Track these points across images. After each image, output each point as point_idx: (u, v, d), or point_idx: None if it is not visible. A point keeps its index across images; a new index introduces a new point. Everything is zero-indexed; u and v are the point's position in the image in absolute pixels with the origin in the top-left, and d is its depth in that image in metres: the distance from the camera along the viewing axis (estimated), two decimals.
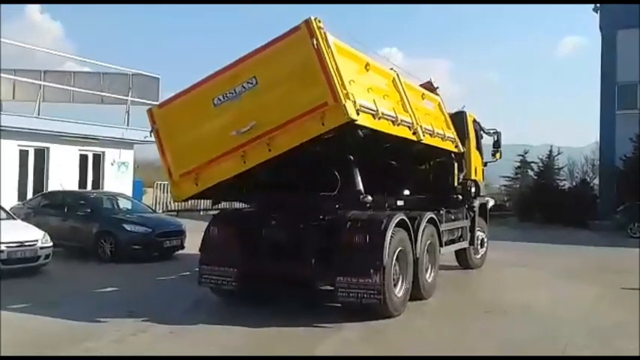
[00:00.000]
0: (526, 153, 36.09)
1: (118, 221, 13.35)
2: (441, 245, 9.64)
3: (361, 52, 7.76)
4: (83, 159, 19.65)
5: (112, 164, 20.31)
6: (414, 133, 8.48)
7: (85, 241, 13.26)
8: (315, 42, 6.57)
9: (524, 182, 34.81)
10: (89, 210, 13.70)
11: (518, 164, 36.14)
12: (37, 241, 10.90)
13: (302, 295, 8.46)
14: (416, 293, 8.51)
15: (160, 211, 22.70)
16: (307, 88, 6.71)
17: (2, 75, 17.22)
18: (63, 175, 18.02)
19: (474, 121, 12.68)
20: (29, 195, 17.27)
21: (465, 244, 11.40)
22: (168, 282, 10.41)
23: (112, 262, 12.45)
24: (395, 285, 7.80)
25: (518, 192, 33.92)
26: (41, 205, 14.77)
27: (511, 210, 31.25)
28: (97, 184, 19.91)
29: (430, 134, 9.23)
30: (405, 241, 8.00)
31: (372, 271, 7.21)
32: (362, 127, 7.10)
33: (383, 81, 8.25)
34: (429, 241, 8.95)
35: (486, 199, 13.24)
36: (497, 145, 13.40)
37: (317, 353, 6.22)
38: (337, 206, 7.96)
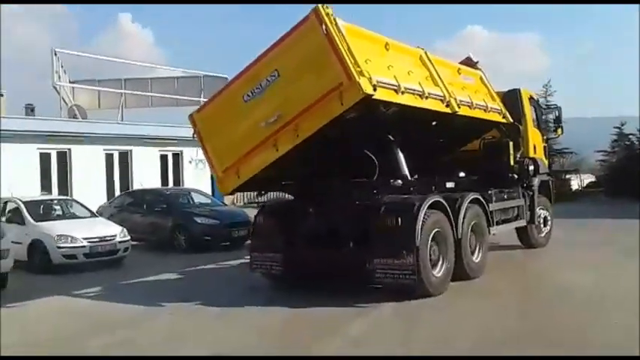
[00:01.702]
0: (623, 125, 33.83)
1: (190, 215, 14.30)
2: (490, 225, 9.60)
3: (379, 34, 8.01)
4: (163, 159, 21.06)
5: (190, 162, 21.58)
6: (448, 105, 8.59)
7: (162, 234, 14.35)
8: (324, 28, 6.90)
9: (620, 155, 32.79)
10: (165, 205, 14.79)
11: (615, 137, 34.04)
12: (115, 235, 11.97)
13: (344, 278, 8.77)
14: (461, 273, 8.59)
15: (241, 203, 23.76)
16: (323, 72, 7.03)
17: (87, 86, 18.91)
18: (145, 175, 19.44)
19: (531, 97, 12.37)
20: (116, 194, 18.78)
21: (522, 223, 11.18)
22: (228, 269, 11.09)
23: (186, 252, 13.38)
24: (434, 265, 7.95)
25: (611, 166, 32.07)
26: (124, 204, 16.08)
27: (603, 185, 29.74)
28: (177, 181, 21.26)
29: (469, 106, 9.30)
30: (442, 223, 8.11)
31: (404, 252, 7.41)
32: (384, 103, 7.35)
33: (408, 58, 8.43)
34: (473, 222, 8.96)
35: (548, 177, 12.85)
36: (558, 120, 12.99)
37: (350, 331, 6.52)
38: (375, 191, 8.17)
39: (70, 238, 11.29)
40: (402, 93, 7.56)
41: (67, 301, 8.65)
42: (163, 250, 13.81)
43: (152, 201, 15.29)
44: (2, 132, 16.33)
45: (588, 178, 37.23)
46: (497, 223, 10.10)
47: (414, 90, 7.87)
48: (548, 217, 12.31)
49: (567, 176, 32.90)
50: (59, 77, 19.41)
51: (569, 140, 33.60)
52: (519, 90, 11.99)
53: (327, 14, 6.96)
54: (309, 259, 8.45)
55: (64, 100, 19.95)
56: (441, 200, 8.17)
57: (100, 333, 6.71)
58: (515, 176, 11.12)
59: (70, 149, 17.97)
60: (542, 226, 12.08)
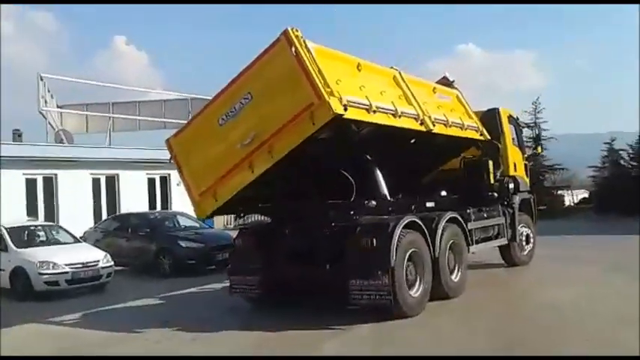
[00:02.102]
0: (613, 141, 34.09)
1: (174, 238, 14.26)
2: (469, 244, 9.65)
3: (351, 55, 8.13)
4: (151, 182, 21.07)
5: (178, 185, 21.45)
6: (422, 124, 8.71)
7: (146, 258, 14.26)
8: (294, 50, 7.03)
9: (610, 171, 32.99)
10: (148, 230, 14.74)
11: (606, 153, 34.27)
12: (98, 261, 11.91)
13: (324, 299, 8.76)
14: (440, 293, 8.61)
15: (231, 226, 23.71)
16: (294, 93, 7.13)
17: (74, 111, 19.01)
18: (133, 198, 19.43)
19: (510, 116, 12.50)
20: (104, 218, 18.72)
21: (503, 241, 11.23)
22: (211, 293, 11.06)
23: (170, 276, 13.29)
24: (411, 286, 7.96)
25: (601, 182, 32.24)
26: (110, 228, 16.03)
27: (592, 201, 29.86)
28: (165, 204, 21.24)
29: (444, 124, 9.43)
30: (418, 242, 8.14)
31: (379, 272, 7.43)
32: (356, 122, 7.45)
33: (381, 78, 8.56)
34: (451, 241, 9.00)
35: (529, 194, 12.94)
36: (537, 138, 13.14)
37: (323, 352, 6.51)
38: (351, 212, 8.21)
39: (52, 265, 11.23)
40: (374, 112, 7.66)
41: (42, 327, 8.62)
42: (148, 275, 13.73)
43: (137, 225, 15.24)
44: None
45: (582, 194, 37.40)
46: (477, 242, 10.16)
47: (387, 109, 7.98)
48: (531, 235, 12.35)
49: (559, 192, 33.08)
50: (45, 102, 19.51)
51: (561, 156, 33.96)
52: (498, 109, 12.14)
53: (297, 36, 7.09)
54: (287, 280, 8.46)
55: (51, 125, 20.01)
56: (417, 220, 8.21)
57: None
58: (495, 194, 11.20)
59: (56, 174, 17.99)
60: (524, 244, 12.11)
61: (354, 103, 7.30)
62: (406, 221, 7.91)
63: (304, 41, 7.13)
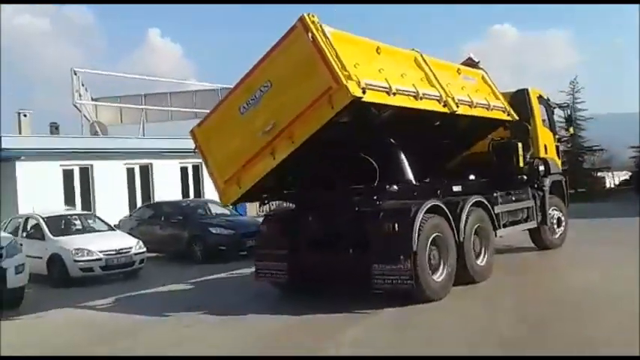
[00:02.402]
0: None
1: (205, 225, 14.52)
2: (496, 228, 9.54)
3: (370, 39, 8.13)
4: (184, 171, 21.42)
5: None
6: (445, 105, 8.64)
7: (179, 245, 14.62)
8: (310, 35, 7.06)
9: None
10: (181, 217, 15.04)
11: None
12: (131, 248, 12.27)
13: (349, 284, 8.81)
14: (466, 277, 8.56)
15: (263, 213, 23.95)
16: (313, 78, 7.16)
17: (107, 103, 19.47)
18: (166, 187, 19.81)
19: (540, 97, 12.23)
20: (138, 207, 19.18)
21: (532, 224, 11.04)
22: (240, 278, 11.22)
23: (202, 263, 13.57)
24: (435, 270, 7.94)
25: None
26: (144, 216, 16.44)
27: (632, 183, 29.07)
28: (197, 193, 21.59)
29: (469, 105, 9.34)
30: (441, 227, 8.09)
31: (402, 257, 7.43)
32: (376, 105, 7.45)
33: (402, 61, 8.52)
34: (477, 225, 8.91)
35: (561, 177, 12.67)
36: (569, 119, 12.81)
37: (346, 338, 6.56)
38: (375, 197, 8.19)
39: (86, 252, 11.63)
40: (394, 94, 7.64)
41: (76, 312, 8.98)
42: (180, 261, 14.06)
43: (170, 213, 15.59)
44: (27, 150, 16.93)
45: (623, 176, 36.40)
46: (505, 226, 10.04)
47: (407, 91, 7.94)
48: (562, 218, 12.10)
49: (599, 174, 32.23)
50: (80, 95, 20.01)
51: (601, 137, 33.01)
52: (527, 90, 11.89)
53: (313, 22, 7.12)
54: (312, 266, 8.54)
55: (86, 117, 20.54)
56: (440, 204, 8.16)
57: (99, 342, 6.99)
58: (525, 177, 11.00)
59: (92, 165, 18.48)
60: (555, 227, 11.88)
61: (373, 86, 7.29)
62: (428, 205, 7.87)
63: (321, 26, 7.15)
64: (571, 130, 13.08)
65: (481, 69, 10.91)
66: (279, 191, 9.01)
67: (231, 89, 8.23)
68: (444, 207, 8.23)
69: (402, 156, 9.14)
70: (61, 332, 7.80)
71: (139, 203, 19.70)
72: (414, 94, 8.05)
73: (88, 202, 18.40)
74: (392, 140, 9.08)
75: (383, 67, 7.76)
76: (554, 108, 12.79)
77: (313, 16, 7.15)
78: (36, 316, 8.75)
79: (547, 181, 11.55)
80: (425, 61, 8.88)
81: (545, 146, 12.02)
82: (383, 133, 8.77)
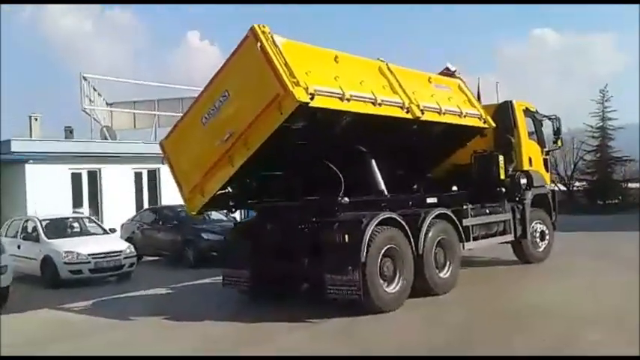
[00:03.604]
0: None
1: (197, 231, 14.82)
2: (463, 241, 9.55)
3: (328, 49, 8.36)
4: None
5: None
6: (408, 112, 8.77)
7: (174, 249, 15.01)
8: (259, 45, 7.31)
9: None
10: (176, 222, 15.42)
11: None
12: (121, 251, 12.66)
13: (310, 291, 8.97)
14: (425, 288, 8.63)
15: None
16: (263, 86, 7.41)
17: (120, 109, 20.05)
18: (174, 191, 20.17)
19: (526, 109, 12.16)
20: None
21: (509, 238, 10.99)
22: (215, 285, 11.47)
23: (194, 267, 13.89)
24: (390, 281, 8.05)
25: None
26: (144, 220, 16.88)
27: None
28: None
29: (437, 112, 9.44)
30: (397, 239, 8.19)
31: (350, 268, 7.57)
32: (329, 111, 7.61)
33: (363, 70, 8.68)
34: (440, 237, 8.96)
35: (547, 188, 12.55)
36: (557, 132, 12.65)
37: (288, 342, 6.76)
38: (333, 209, 8.33)
39: (76, 254, 12.07)
40: (348, 100, 7.81)
41: (50, 313, 9.37)
42: (175, 265, 14.44)
43: (167, 217, 15.99)
44: (36, 154, 17.59)
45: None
46: (476, 239, 10.03)
47: (364, 97, 8.11)
48: (546, 231, 11.97)
49: (629, 185, 31.41)
50: (90, 101, 20.67)
51: (632, 147, 32.17)
52: (511, 102, 11.88)
53: (264, 32, 7.39)
54: (272, 274, 8.75)
55: (97, 122, 21.20)
56: (395, 216, 8.26)
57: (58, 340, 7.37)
58: (503, 190, 10.97)
59: (100, 169, 19.05)
60: (538, 240, 11.79)
61: (324, 92, 7.50)
62: (381, 217, 7.98)
63: (271, 36, 7.41)
64: (559, 142, 12.90)
65: (458, 77, 11.00)
66: (244, 200, 9.25)
67: (194, 100, 8.55)
68: (400, 219, 8.31)
69: (374, 164, 9.28)
70: (25, 331, 8.19)
71: (146, 207, 20.18)
72: (371, 100, 8.20)
73: (95, 205, 18.96)
74: (362, 148, 9.24)
75: (339, 74, 7.94)
76: (543, 120, 12.70)
77: (264, 27, 7.43)
78: (13, 316, 9.14)
79: (529, 194, 11.49)
80: (390, 69, 9.04)
81: (530, 159, 11.95)
82: (351, 141, 8.90)
